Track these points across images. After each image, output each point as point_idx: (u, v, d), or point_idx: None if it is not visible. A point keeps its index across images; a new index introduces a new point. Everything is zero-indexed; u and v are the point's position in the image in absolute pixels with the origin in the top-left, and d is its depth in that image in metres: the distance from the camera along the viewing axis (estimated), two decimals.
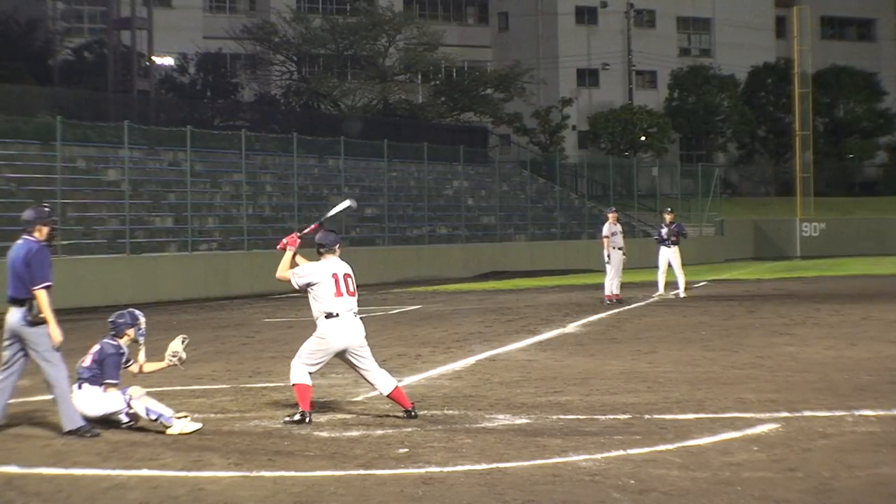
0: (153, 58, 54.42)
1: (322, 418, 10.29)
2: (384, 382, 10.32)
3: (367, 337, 10.39)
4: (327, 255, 10.39)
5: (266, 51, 61.84)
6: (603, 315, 20.76)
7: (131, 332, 10.34)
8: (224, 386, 12.67)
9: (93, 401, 9.95)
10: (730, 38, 73.58)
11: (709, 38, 75.78)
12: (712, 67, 71.11)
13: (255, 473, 8.23)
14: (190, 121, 36.73)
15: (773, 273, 36.05)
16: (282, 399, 11.41)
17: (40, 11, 57.82)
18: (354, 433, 9.69)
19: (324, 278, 10.20)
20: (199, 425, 9.88)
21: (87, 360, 10.16)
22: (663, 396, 11.19)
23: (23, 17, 56.19)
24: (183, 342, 10.66)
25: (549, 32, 70.22)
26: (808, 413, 10.10)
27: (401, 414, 10.30)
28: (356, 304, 10.36)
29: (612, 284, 23.51)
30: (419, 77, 65.41)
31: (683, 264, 24.94)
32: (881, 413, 10.03)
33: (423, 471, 8.16)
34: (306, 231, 10.91)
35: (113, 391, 10.00)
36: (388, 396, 10.40)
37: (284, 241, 10.53)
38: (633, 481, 7.73)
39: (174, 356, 10.58)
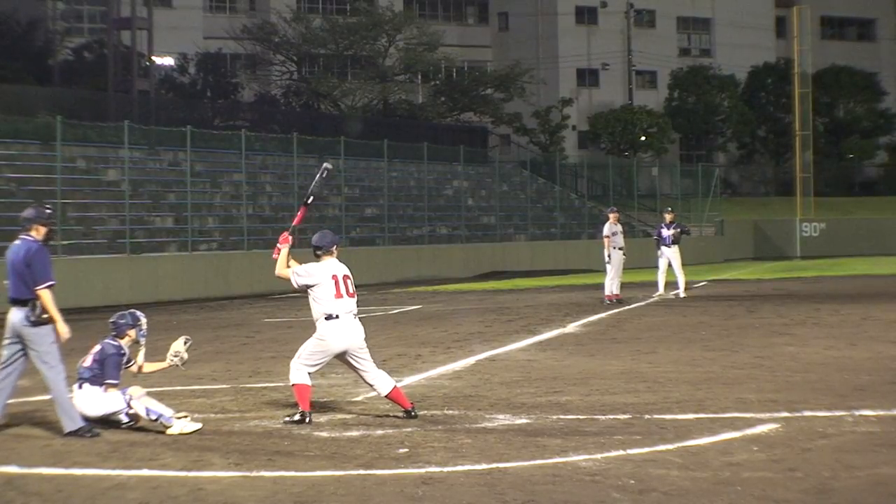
0: (153, 58, 54.45)
1: (322, 418, 10.29)
2: (383, 383, 10.31)
3: (366, 337, 10.38)
4: (325, 257, 10.36)
5: (266, 51, 61.89)
6: (603, 315, 20.75)
7: (132, 332, 10.35)
8: (224, 386, 12.67)
9: (93, 401, 9.96)
10: (730, 38, 73.63)
11: (709, 38, 75.83)
12: (712, 67, 71.15)
13: (255, 473, 8.23)
14: (190, 121, 36.73)
15: (773, 273, 36.05)
16: (282, 399, 11.41)
17: (40, 11, 57.84)
18: (354, 433, 9.69)
19: (323, 280, 10.18)
20: (199, 425, 9.87)
21: (88, 360, 10.16)
22: (663, 396, 11.19)
23: (23, 17, 56.22)
24: (185, 343, 10.66)
25: (549, 32, 70.25)
26: (808, 413, 10.10)
27: (401, 414, 10.29)
28: (356, 305, 10.35)
29: (612, 284, 23.51)
30: (419, 77, 65.43)
31: (683, 264, 24.94)
32: (881, 413, 10.02)
33: (423, 471, 8.16)
34: (295, 221, 10.82)
35: (113, 391, 10.00)
36: (386, 397, 10.40)
37: (278, 244, 10.46)
38: (633, 481, 7.73)
39: (176, 356, 10.58)
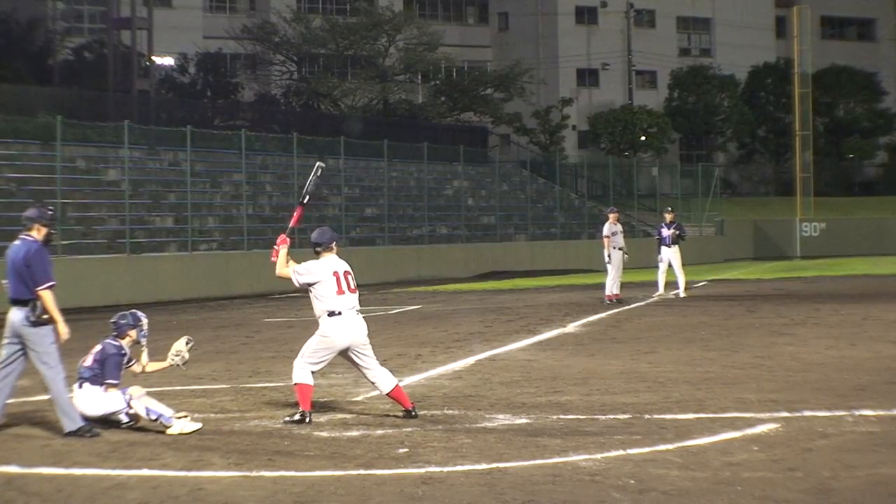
0: (153, 58, 54.42)
1: (322, 418, 10.29)
2: (385, 381, 10.31)
3: (367, 336, 10.39)
4: (325, 254, 10.36)
5: (266, 51, 61.87)
6: (603, 315, 20.75)
7: (133, 333, 10.35)
8: (224, 386, 12.67)
9: (93, 400, 9.96)
10: (730, 38, 73.58)
11: (709, 38, 75.79)
12: (712, 67, 71.11)
13: (255, 473, 8.23)
14: (190, 121, 36.73)
15: (773, 273, 36.04)
16: (282, 399, 11.41)
17: (40, 11, 57.79)
18: (354, 433, 9.69)
19: (325, 277, 10.18)
20: (199, 425, 9.88)
21: (89, 360, 10.17)
22: (663, 396, 11.19)
23: (23, 17, 56.17)
24: (187, 343, 10.67)
25: (549, 32, 70.21)
26: (808, 413, 10.10)
27: (401, 414, 10.30)
28: (357, 301, 10.34)
29: (612, 284, 23.50)
30: (419, 77, 65.40)
31: (683, 264, 24.93)
32: (881, 413, 10.03)
33: (423, 471, 8.16)
34: (293, 222, 10.83)
35: (113, 391, 10.01)
36: (388, 395, 10.39)
37: (276, 246, 10.44)
38: (633, 481, 7.73)
39: (177, 356, 10.59)
